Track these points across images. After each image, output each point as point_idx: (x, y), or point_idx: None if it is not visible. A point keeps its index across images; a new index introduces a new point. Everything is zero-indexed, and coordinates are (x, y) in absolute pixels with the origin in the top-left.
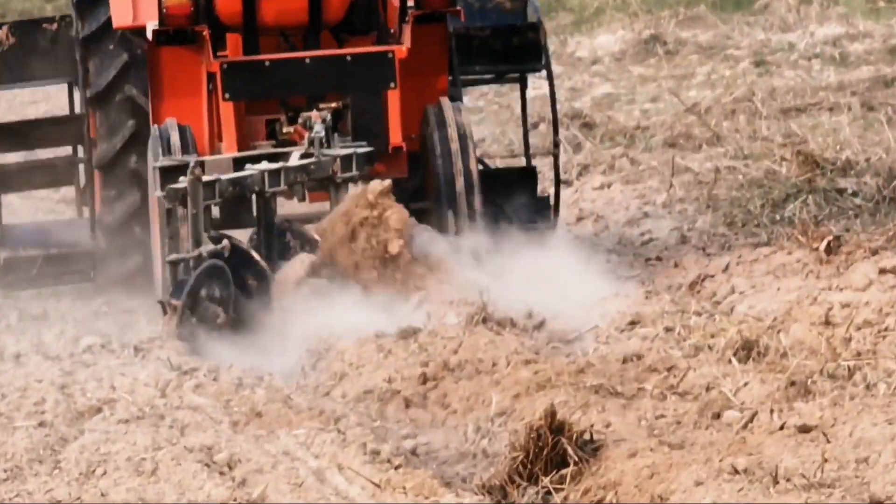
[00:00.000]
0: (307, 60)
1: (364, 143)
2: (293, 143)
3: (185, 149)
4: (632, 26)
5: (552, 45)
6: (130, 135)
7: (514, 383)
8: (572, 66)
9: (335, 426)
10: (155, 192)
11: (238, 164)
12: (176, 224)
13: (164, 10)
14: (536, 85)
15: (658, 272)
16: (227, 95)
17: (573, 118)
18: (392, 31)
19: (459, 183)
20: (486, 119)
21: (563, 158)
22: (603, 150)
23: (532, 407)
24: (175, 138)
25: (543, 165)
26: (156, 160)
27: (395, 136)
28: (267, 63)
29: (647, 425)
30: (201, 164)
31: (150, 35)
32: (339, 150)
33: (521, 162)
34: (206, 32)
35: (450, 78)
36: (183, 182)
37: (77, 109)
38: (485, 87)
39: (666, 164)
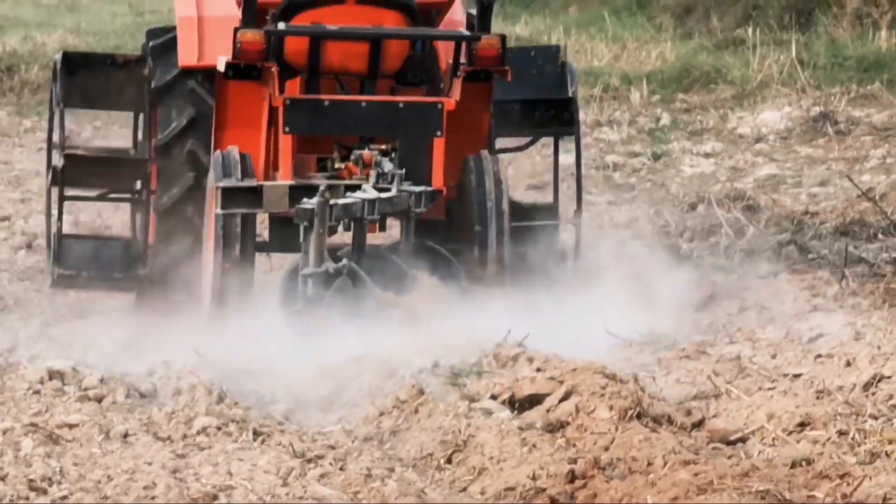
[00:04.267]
0: (363, 104)
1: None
2: (342, 178)
3: (245, 174)
4: (799, 103)
5: (712, 120)
6: (188, 186)
7: (672, 485)
8: (733, 143)
9: None
10: (216, 210)
11: (295, 191)
12: (307, 242)
13: (239, 45)
14: (694, 163)
15: (829, 370)
16: (287, 129)
17: (735, 199)
18: (441, 84)
19: (492, 229)
20: (639, 197)
21: (724, 242)
22: (768, 236)
23: None
24: (236, 164)
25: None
26: (217, 181)
27: (437, 181)
28: (326, 103)
29: None
30: (260, 189)
31: (221, 67)
32: (415, 188)
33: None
34: (274, 69)
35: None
36: (312, 203)
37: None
38: (637, 164)
39: (838, 253)
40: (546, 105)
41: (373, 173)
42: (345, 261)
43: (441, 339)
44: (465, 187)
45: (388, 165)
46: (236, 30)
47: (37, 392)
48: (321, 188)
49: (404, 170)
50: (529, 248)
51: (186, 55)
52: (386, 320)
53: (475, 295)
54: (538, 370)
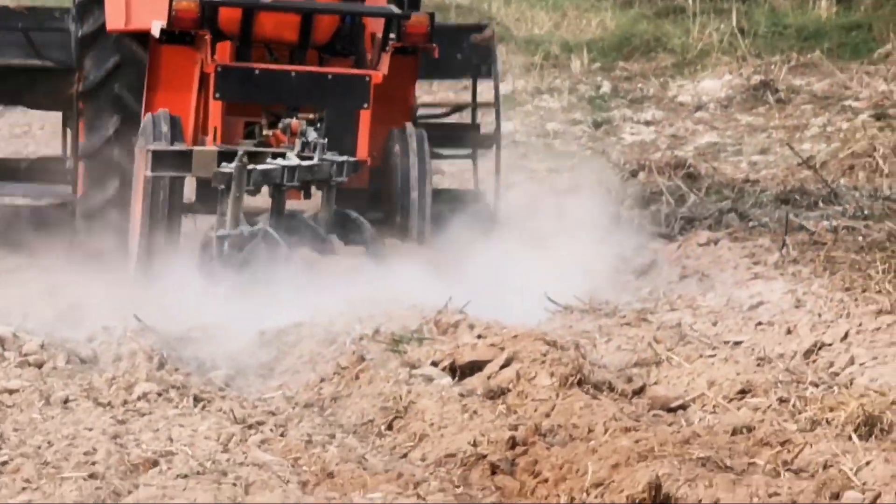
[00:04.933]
0: (293, 74)
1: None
2: (269, 145)
3: (174, 137)
4: (740, 71)
5: (652, 88)
6: (115, 129)
7: (613, 452)
8: (674, 111)
9: (414, 491)
10: (144, 172)
11: (224, 156)
12: (224, 205)
13: (174, 13)
14: (634, 131)
15: (770, 338)
16: (217, 95)
17: (676, 167)
18: (369, 57)
19: (415, 196)
20: (579, 165)
21: (664, 210)
22: (709, 204)
23: (633, 479)
24: (166, 127)
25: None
26: (147, 144)
27: (362, 151)
28: (257, 71)
29: (759, 503)
30: (190, 153)
31: (155, 33)
32: (337, 157)
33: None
34: (207, 37)
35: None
36: (230, 167)
37: None
38: (578, 132)
39: (778, 221)
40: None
41: (298, 142)
42: (261, 224)
43: (381, 306)
44: (389, 158)
45: (312, 134)
46: None
47: None
48: (239, 153)
49: (327, 140)
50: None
51: (114, 19)
52: (306, 282)
53: (399, 260)
54: (479, 337)
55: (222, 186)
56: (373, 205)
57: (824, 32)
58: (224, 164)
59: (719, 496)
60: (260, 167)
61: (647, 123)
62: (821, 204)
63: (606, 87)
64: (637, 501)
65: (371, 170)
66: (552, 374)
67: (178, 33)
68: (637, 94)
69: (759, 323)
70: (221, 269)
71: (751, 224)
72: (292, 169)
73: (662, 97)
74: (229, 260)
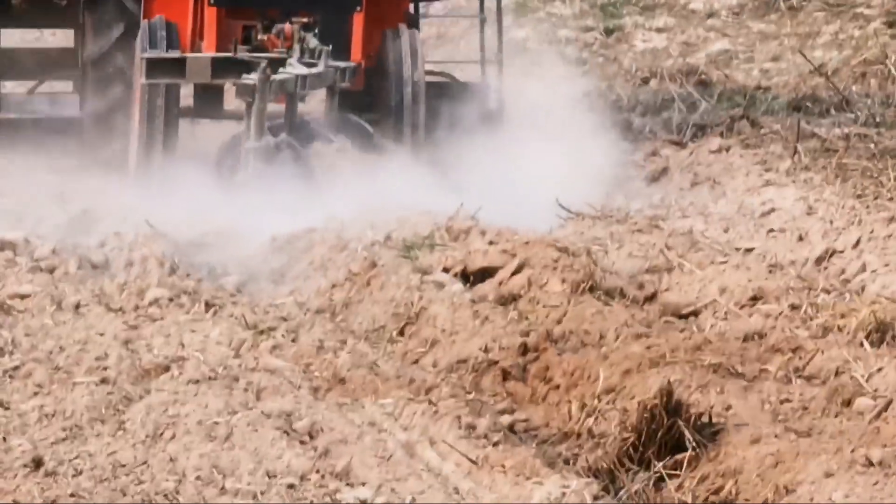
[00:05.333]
0: None
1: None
2: (265, 49)
3: (170, 44)
4: None
5: None
6: (118, 36)
7: (624, 358)
8: (685, 18)
9: (426, 397)
10: (140, 80)
11: (217, 62)
12: (249, 116)
13: None
14: (646, 38)
15: (781, 245)
16: (212, 1)
17: (687, 74)
18: None
19: (407, 95)
20: (591, 72)
21: (676, 117)
22: (720, 111)
23: (644, 385)
24: (162, 34)
25: None
26: (143, 52)
27: (356, 54)
28: None
29: (770, 410)
30: (184, 60)
31: None
32: (340, 63)
33: None
34: None
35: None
36: (253, 79)
37: None
38: (589, 39)
39: (790, 128)
40: None
41: (296, 47)
42: (283, 135)
43: (393, 211)
44: (383, 59)
45: (313, 42)
46: None
47: None
48: (261, 65)
49: (330, 46)
50: (459, 107)
51: None
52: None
53: (405, 163)
54: (490, 243)
55: (248, 99)
56: (368, 106)
57: None
58: (245, 75)
59: (730, 402)
60: (277, 77)
61: (659, 31)
62: (832, 111)
63: None
64: (648, 407)
65: (366, 70)
66: (563, 281)
67: None
68: (649, 1)
69: (771, 230)
70: (253, 179)
71: (762, 131)
72: (304, 77)
73: (674, 4)
74: (259, 171)
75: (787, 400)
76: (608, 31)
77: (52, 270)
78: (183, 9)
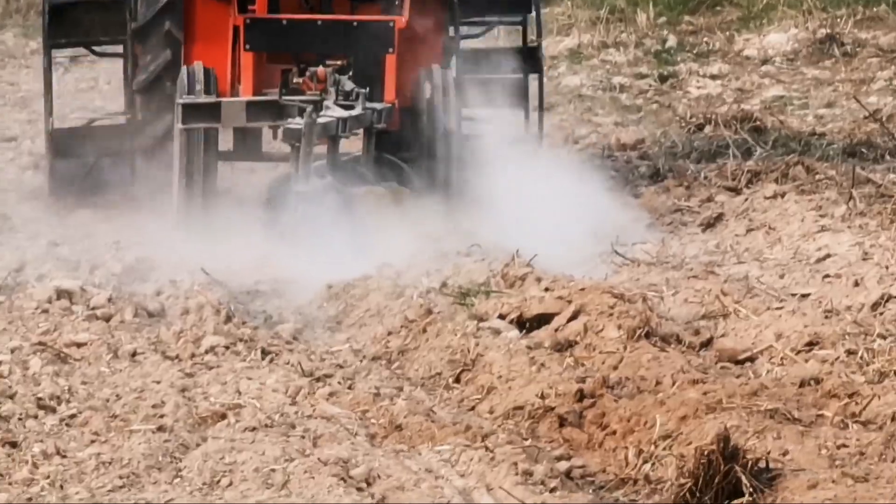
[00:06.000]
0: (319, 23)
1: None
2: (301, 92)
3: (207, 89)
4: (805, 25)
5: (718, 41)
6: (166, 63)
7: (681, 404)
8: (739, 65)
9: (482, 443)
10: (177, 125)
11: (251, 106)
12: (296, 161)
13: None
14: (700, 84)
15: (837, 290)
16: (247, 46)
17: (742, 121)
18: (397, 2)
19: (440, 135)
20: (646, 118)
21: (731, 163)
22: (775, 157)
23: (701, 431)
24: (199, 79)
25: None
26: (181, 97)
27: (390, 94)
28: (284, 22)
29: (827, 455)
30: (219, 105)
31: None
32: (377, 105)
33: None
34: None
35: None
36: (299, 124)
37: None
38: (644, 85)
39: (845, 174)
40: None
41: (331, 90)
42: (328, 177)
43: (449, 258)
44: (417, 100)
45: (349, 84)
46: None
47: (45, 311)
48: (308, 110)
49: (367, 89)
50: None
51: None
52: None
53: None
54: (546, 290)
55: (295, 143)
56: (403, 146)
57: None
58: (291, 119)
59: (787, 447)
60: (320, 121)
61: (713, 77)
62: (887, 157)
63: (672, 40)
64: (705, 453)
65: (401, 110)
66: (620, 327)
67: None
68: (703, 47)
69: (827, 275)
70: (301, 224)
71: (817, 177)
72: (345, 120)
73: (728, 51)
74: (308, 214)
75: (844, 445)
76: (662, 78)
77: (108, 319)
78: (221, 54)
